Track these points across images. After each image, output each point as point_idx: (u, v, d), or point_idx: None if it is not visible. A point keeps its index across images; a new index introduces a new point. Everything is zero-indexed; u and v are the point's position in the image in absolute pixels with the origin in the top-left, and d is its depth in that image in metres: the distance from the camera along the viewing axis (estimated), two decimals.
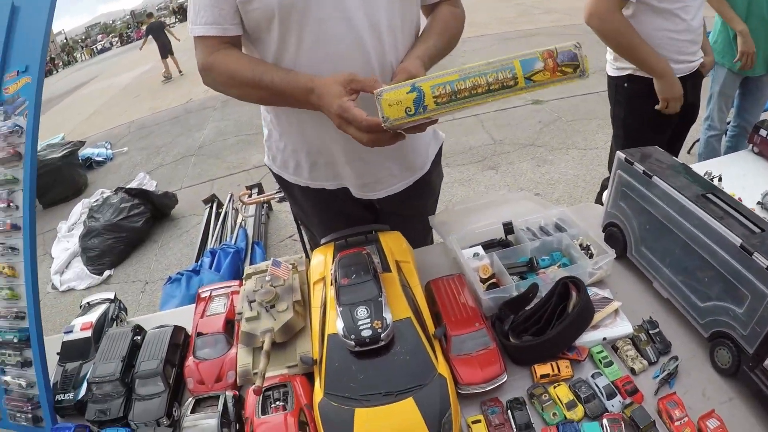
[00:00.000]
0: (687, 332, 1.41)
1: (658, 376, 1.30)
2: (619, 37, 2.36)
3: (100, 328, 1.60)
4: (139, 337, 1.52)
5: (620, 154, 1.54)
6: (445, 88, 1.09)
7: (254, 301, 1.41)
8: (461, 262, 1.57)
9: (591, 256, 1.54)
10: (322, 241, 1.64)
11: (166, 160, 7.68)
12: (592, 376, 1.30)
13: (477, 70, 1.09)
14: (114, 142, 8.97)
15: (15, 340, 1.41)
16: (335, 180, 1.83)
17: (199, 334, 1.50)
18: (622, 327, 1.40)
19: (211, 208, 4.85)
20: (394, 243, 1.55)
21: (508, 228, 1.67)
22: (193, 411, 1.29)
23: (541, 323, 1.35)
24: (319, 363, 1.24)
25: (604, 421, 1.20)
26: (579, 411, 1.24)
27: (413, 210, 1.94)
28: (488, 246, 1.67)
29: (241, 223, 4.45)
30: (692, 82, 2.55)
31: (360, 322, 1.20)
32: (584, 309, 1.34)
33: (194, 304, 1.67)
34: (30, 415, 1.40)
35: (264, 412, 1.23)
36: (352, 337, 1.19)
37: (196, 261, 4.02)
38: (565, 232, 1.61)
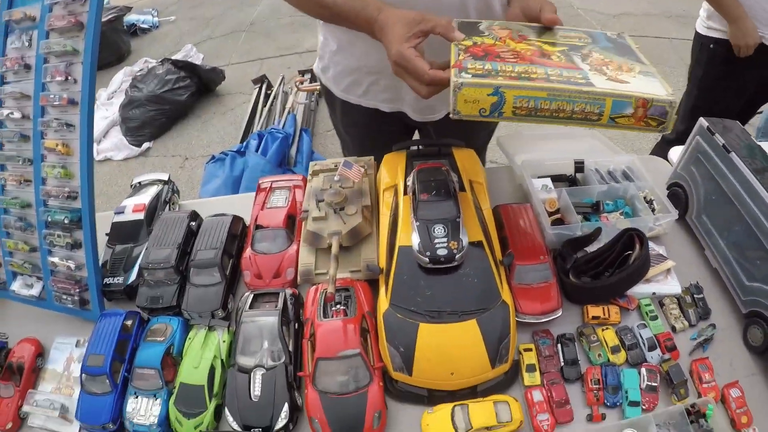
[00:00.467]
0: (727, 304, 1.45)
1: (695, 338, 1.36)
2: None
3: (152, 211, 1.57)
4: (194, 224, 1.50)
5: (703, 122, 1.52)
6: (528, 103, 1.02)
7: (322, 200, 1.39)
8: (530, 191, 1.57)
9: (653, 210, 1.55)
10: (394, 147, 1.60)
11: (215, 33, 7.24)
12: (638, 327, 1.34)
13: (567, 94, 1.02)
14: (161, 9, 8.34)
15: (66, 221, 1.36)
16: (393, 103, 1.72)
17: (258, 227, 1.47)
18: (672, 286, 1.43)
19: (260, 88, 4.67)
20: (468, 161, 1.54)
21: (579, 166, 1.67)
22: (251, 306, 1.29)
23: (600, 268, 1.38)
24: (387, 273, 1.25)
25: (643, 370, 1.26)
26: (622, 356, 1.29)
27: (467, 138, 1.90)
28: (556, 180, 1.67)
29: (290, 108, 4.30)
30: None
31: (436, 240, 1.21)
32: (643, 262, 1.36)
33: (253, 193, 1.63)
34: (77, 298, 1.39)
35: (325, 315, 1.24)
36: (428, 254, 1.20)
37: (241, 142, 3.88)
38: (632, 182, 1.61)
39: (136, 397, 1.23)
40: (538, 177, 1.63)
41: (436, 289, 1.21)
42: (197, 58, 5.90)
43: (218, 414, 1.22)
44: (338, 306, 1.25)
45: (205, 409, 1.19)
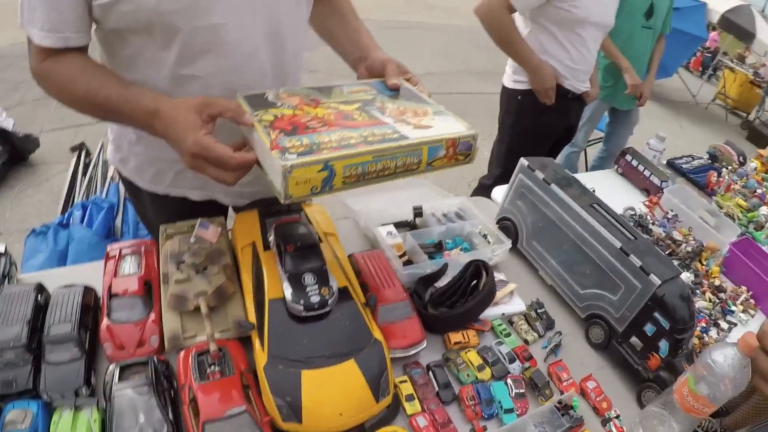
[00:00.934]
0: (567, 313, 1.66)
1: (546, 346, 1.53)
2: (501, 30, 2.60)
3: None
4: (41, 297, 1.36)
5: (524, 161, 1.75)
6: (357, 170, 1.05)
7: (182, 262, 1.36)
8: (379, 238, 1.67)
9: (489, 243, 1.72)
10: (245, 206, 1.63)
11: (27, 97, 6.46)
12: (496, 344, 1.48)
13: (390, 152, 1.07)
14: None
15: None
16: (203, 190, 1.63)
17: (113, 296, 1.38)
18: (517, 305, 1.60)
19: (79, 156, 4.23)
20: (319, 215, 1.59)
21: (418, 212, 1.79)
22: (120, 379, 1.20)
23: (454, 298, 1.50)
24: (260, 327, 1.25)
25: (509, 380, 1.39)
26: (487, 372, 1.41)
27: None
28: (398, 226, 1.78)
29: (112, 177, 3.95)
30: (576, 104, 2.91)
31: (308, 289, 1.25)
32: (491, 288, 1.50)
33: (97, 262, 1.52)
34: None
35: (202, 377, 1.20)
36: (302, 302, 1.23)
37: (62, 213, 3.50)
38: (467, 221, 1.78)
39: None
40: (382, 225, 1.75)
41: (312, 336, 1.24)
42: (8, 124, 5.38)
43: None
44: (213, 367, 1.23)
45: None
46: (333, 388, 1.19)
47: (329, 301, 1.25)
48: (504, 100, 3.00)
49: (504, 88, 2.97)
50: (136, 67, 1.32)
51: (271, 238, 1.39)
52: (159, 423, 1.14)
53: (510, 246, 1.69)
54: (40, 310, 1.33)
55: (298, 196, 1.01)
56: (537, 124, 2.88)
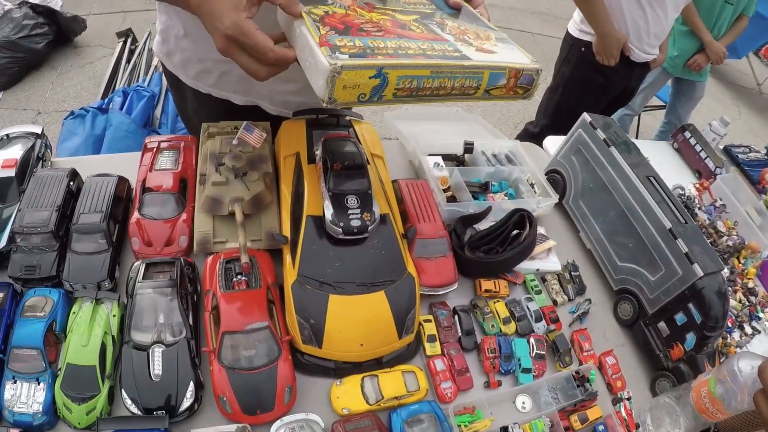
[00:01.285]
0: (600, 281, 1.60)
1: (574, 311, 1.48)
2: None
3: (24, 167, 1.35)
4: (74, 184, 1.32)
5: (586, 117, 1.65)
6: (411, 83, 0.93)
7: (222, 164, 1.30)
8: (425, 168, 1.60)
9: (535, 192, 1.65)
10: (294, 114, 1.54)
11: None
12: (525, 300, 1.44)
13: (449, 70, 0.96)
14: None
15: None
16: (247, 95, 1.56)
17: (146, 190, 1.34)
18: (553, 263, 1.54)
19: (125, 43, 4.18)
20: (369, 134, 1.53)
21: (469, 148, 1.71)
22: (144, 277, 1.17)
23: (493, 244, 1.44)
24: (294, 243, 1.21)
25: (531, 339, 1.35)
26: (512, 327, 1.38)
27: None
28: (446, 158, 1.70)
29: (156, 66, 3.88)
30: (640, 69, 2.74)
31: (350, 212, 1.20)
32: (532, 241, 1.45)
33: (134, 153, 1.47)
34: None
35: (228, 286, 1.17)
36: (341, 225, 1.18)
37: (102, 98, 3.48)
38: (516, 166, 1.70)
39: (15, 382, 1.06)
40: (429, 154, 1.67)
41: (345, 260, 1.20)
42: (56, 3, 5.29)
43: (112, 397, 1.09)
44: (240, 277, 1.20)
45: (98, 392, 1.06)
46: (358, 317, 1.16)
47: (369, 228, 1.20)
48: (565, 48, 2.85)
49: (568, 35, 2.81)
50: None
51: (318, 152, 1.33)
52: (178, 326, 1.13)
53: (556, 201, 1.62)
54: (72, 196, 1.30)
55: (344, 101, 0.91)
56: (595, 81, 2.73)
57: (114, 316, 1.16)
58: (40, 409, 1.04)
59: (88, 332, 1.11)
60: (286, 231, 1.25)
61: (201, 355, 1.15)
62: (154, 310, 1.14)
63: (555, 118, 2.86)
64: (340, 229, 1.18)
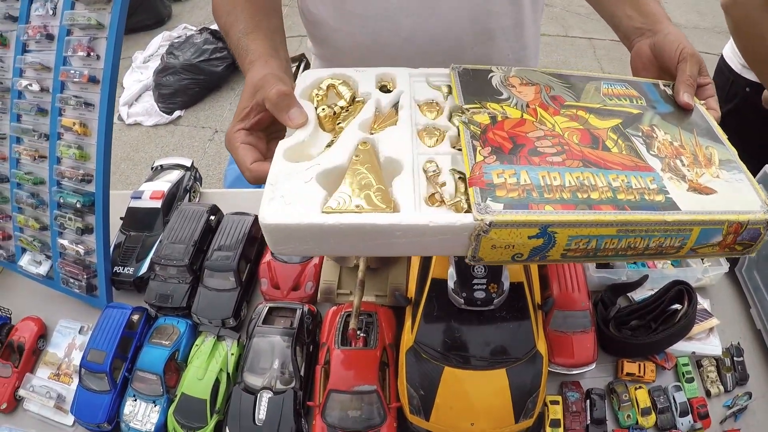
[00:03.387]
0: (766, 371, 1.33)
1: (729, 405, 1.24)
2: (759, 42, 1.78)
3: (171, 199, 1.44)
4: (213, 219, 1.37)
5: (767, 170, 1.37)
6: (588, 244, 0.67)
7: None
8: None
9: (702, 260, 1.41)
10: None
11: None
12: (672, 388, 1.23)
13: (644, 228, 0.67)
14: None
15: (78, 205, 1.24)
16: None
17: None
18: (713, 346, 1.30)
19: (298, 67, 4.41)
20: None
21: None
22: (265, 320, 1.17)
23: (644, 321, 1.25)
24: (416, 305, 1.12)
25: None
26: (651, 419, 1.17)
27: None
28: None
29: None
30: None
31: (475, 281, 1.07)
32: (690, 320, 1.23)
33: None
34: (84, 284, 1.29)
35: (344, 342, 1.13)
36: (464, 294, 1.06)
37: None
38: None
39: (135, 400, 1.14)
40: None
41: (467, 331, 1.09)
42: None
43: (218, 431, 1.11)
44: (359, 333, 1.14)
45: (205, 425, 1.09)
46: (472, 394, 1.05)
47: (495, 301, 1.07)
48: (721, 81, 2.12)
49: (725, 65, 2.13)
50: None
51: None
52: (290, 375, 1.10)
53: (727, 270, 1.37)
54: (210, 232, 1.33)
55: (491, 261, 0.69)
56: (761, 129, 2.01)
57: (232, 354, 1.17)
58: (152, 429, 1.11)
59: (205, 366, 1.14)
60: (412, 291, 1.16)
61: (307, 407, 1.11)
62: (270, 355, 1.13)
63: None
64: (462, 300, 1.06)
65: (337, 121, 0.79)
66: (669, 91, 0.89)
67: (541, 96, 0.83)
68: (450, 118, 0.80)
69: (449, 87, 0.86)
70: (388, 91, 0.85)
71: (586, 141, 0.76)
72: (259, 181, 0.75)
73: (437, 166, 0.72)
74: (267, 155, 0.74)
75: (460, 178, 0.70)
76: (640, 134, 0.79)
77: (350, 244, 0.65)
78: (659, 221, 0.67)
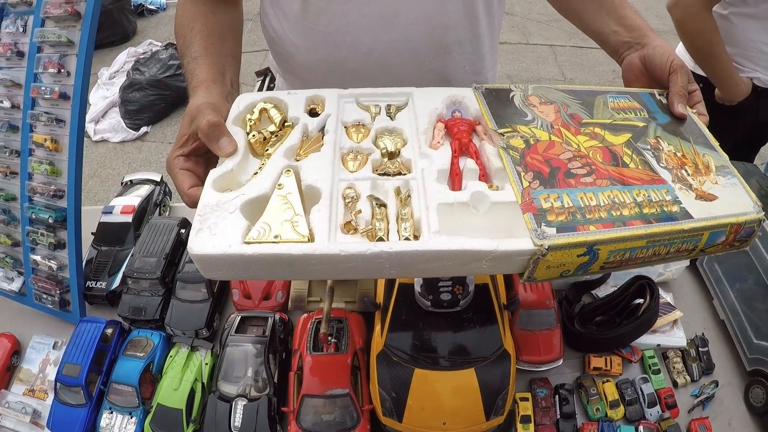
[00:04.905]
0: (732, 361, 1.35)
1: (696, 395, 1.26)
2: (700, 38, 1.94)
3: (141, 213, 1.45)
4: (184, 232, 1.37)
5: None
6: (623, 256, 0.74)
7: None
8: None
9: None
10: None
11: None
12: (639, 380, 1.25)
13: (667, 237, 0.75)
14: None
15: (50, 220, 1.24)
16: None
17: None
18: (677, 338, 1.32)
19: (263, 81, 4.35)
20: None
21: None
22: (238, 329, 1.18)
23: (606, 316, 1.27)
24: (384, 310, 1.13)
25: (641, 428, 1.16)
26: (620, 411, 1.19)
27: None
28: None
29: None
30: (766, 101, 2.13)
31: (441, 283, 1.09)
32: (653, 314, 1.25)
33: None
34: (57, 299, 1.28)
35: (315, 348, 1.13)
36: (430, 297, 1.08)
37: None
38: None
39: (111, 413, 1.13)
40: None
41: (435, 333, 1.10)
42: None
43: None
44: (330, 339, 1.14)
45: None
46: (443, 395, 1.06)
47: (461, 302, 1.09)
48: None
49: None
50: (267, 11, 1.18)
51: None
52: (263, 382, 1.11)
53: (688, 264, 1.40)
54: (181, 245, 1.33)
55: (543, 279, 0.75)
56: (716, 124, 2.13)
57: (206, 364, 1.17)
58: None
59: (180, 377, 1.14)
60: (380, 296, 1.17)
61: (281, 413, 1.11)
62: (243, 364, 1.13)
63: None
64: (429, 302, 1.08)
65: (266, 147, 0.81)
66: (664, 100, 0.95)
67: (560, 115, 0.88)
68: (374, 141, 0.84)
69: (378, 107, 0.89)
70: (317, 114, 0.87)
71: (608, 159, 0.82)
72: (195, 206, 0.76)
73: (356, 192, 0.75)
74: (204, 179, 0.75)
75: (377, 204, 0.73)
76: (649, 147, 0.86)
77: (272, 270, 0.68)
78: (679, 230, 0.74)
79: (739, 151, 2.22)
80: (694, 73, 2.06)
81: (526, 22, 5.91)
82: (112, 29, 5.55)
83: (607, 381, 1.23)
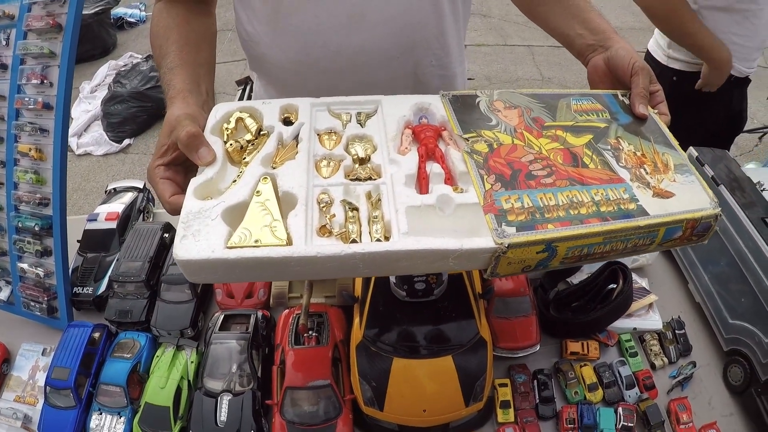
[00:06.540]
0: (709, 342, 1.37)
1: (674, 376, 1.28)
2: (672, 18, 1.94)
3: (126, 220, 1.48)
4: (167, 236, 1.40)
5: (692, 151, 1.43)
6: (581, 251, 0.78)
7: None
8: None
9: None
10: None
11: None
12: (617, 363, 1.27)
13: (623, 234, 0.79)
14: (149, 3, 7.94)
15: (36, 228, 1.26)
16: None
17: None
18: (653, 321, 1.35)
19: (244, 90, 4.31)
20: None
21: None
22: (221, 327, 1.21)
23: (581, 302, 1.30)
24: (362, 303, 1.15)
25: (620, 409, 1.18)
26: (599, 394, 1.21)
27: None
28: None
29: None
30: (741, 89, 2.20)
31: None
32: (626, 298, 1.28)
33: None
34: (45, 306, 1.30)
35: (297, 341, 1.16)
36: (405, 287, 1.10)
37: None
38: None
39: (100, 414, 1.15)
40: None
41: (413, 322, 1.12)
42: None
43: None
44: (311, 332, 1.17)
45: (170, 431, 1.11)
46: (422, 382, 1.08)
47: (435, 291, 1.12)
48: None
49: (651, 60, 2.20)
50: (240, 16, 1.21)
51: None
52: (247, 377, 1.13)
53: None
54: (164, 248, 1.36)
55: (505, 274, 0.79)
56: (691, 115, 2.16)
57: (192, 362, 1.19)
58: None
59: (166, 375, 1.16)
60: (358, 290, 1.20)
61: (266, 406, 1.13)
62: (228, 360, 1.15)
63: None
64: (404, 292, 1.10)
65: (243, 156, 0.84)
66: (626, 101, 0.98)
67: (523, 119, 0.91)
68: (346, 147, 0.87)
69: (348, 114, 0.92)
70: (291, 123, 0.90)
71: (568, 160, 0.85)
72: (177, 213, 0.78)
73: (329, 197, 0.78)
74: (184, 188, 0.78)
75: (350, 208, 0.76)
76: (609, 147, 0.89)
77: (254, 273, 0.71)
78: (634, 227, 0.78)
79: (715, 140, 2.20)
80: (668, 67, 2.13)
81: (503, 24, 5.95)
82: (92, 43, 5.54)
83: (585, 365, 1.25)
